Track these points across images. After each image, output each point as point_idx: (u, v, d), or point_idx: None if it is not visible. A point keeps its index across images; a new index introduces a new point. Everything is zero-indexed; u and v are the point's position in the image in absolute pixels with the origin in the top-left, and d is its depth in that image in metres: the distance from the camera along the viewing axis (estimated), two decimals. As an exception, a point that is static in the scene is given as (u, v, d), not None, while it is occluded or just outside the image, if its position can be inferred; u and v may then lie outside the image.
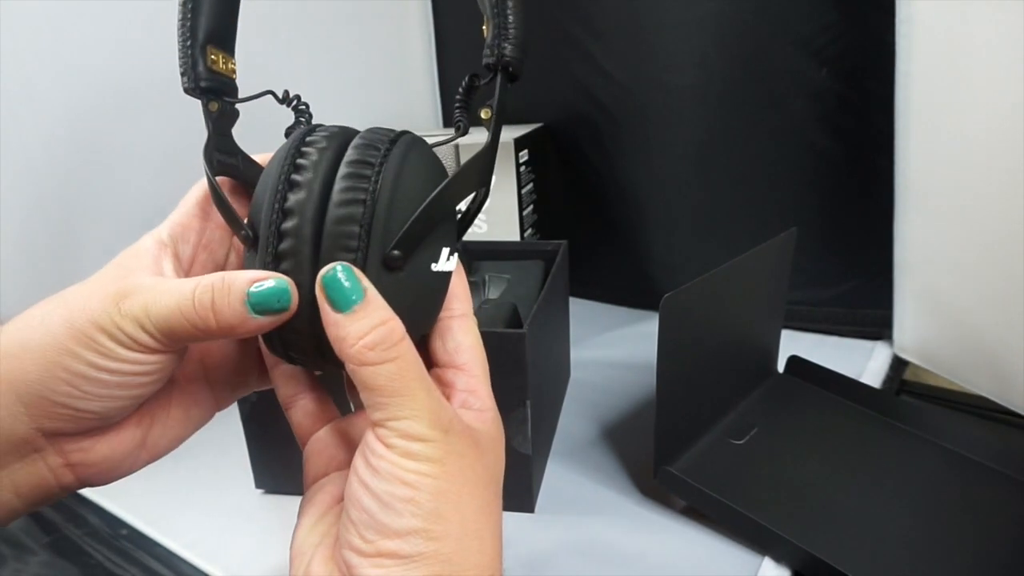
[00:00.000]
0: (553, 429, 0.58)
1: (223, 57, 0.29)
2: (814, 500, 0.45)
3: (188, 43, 0.28)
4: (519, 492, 0.48)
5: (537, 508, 0.49)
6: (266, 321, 0.23)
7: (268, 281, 0.23)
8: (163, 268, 0.26)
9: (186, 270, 0.27)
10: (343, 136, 0.25)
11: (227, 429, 0.60)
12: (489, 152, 0.26)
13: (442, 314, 0.27)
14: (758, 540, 0.43)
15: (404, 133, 0.26)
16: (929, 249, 0.60)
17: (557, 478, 0.52)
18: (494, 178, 0.69)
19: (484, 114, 0.27)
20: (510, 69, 0.27)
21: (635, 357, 0.69)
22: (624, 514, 0.48)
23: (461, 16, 0.91)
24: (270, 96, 0.31)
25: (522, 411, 0.45)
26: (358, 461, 0.24)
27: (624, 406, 0.61)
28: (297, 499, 0.27)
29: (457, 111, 0.28)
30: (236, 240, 0.29)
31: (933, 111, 0.57)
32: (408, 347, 0.24)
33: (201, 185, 0.28)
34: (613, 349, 0.72)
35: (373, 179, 0.23)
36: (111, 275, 0.25)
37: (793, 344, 0.64)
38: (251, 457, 0.51)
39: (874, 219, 0.64)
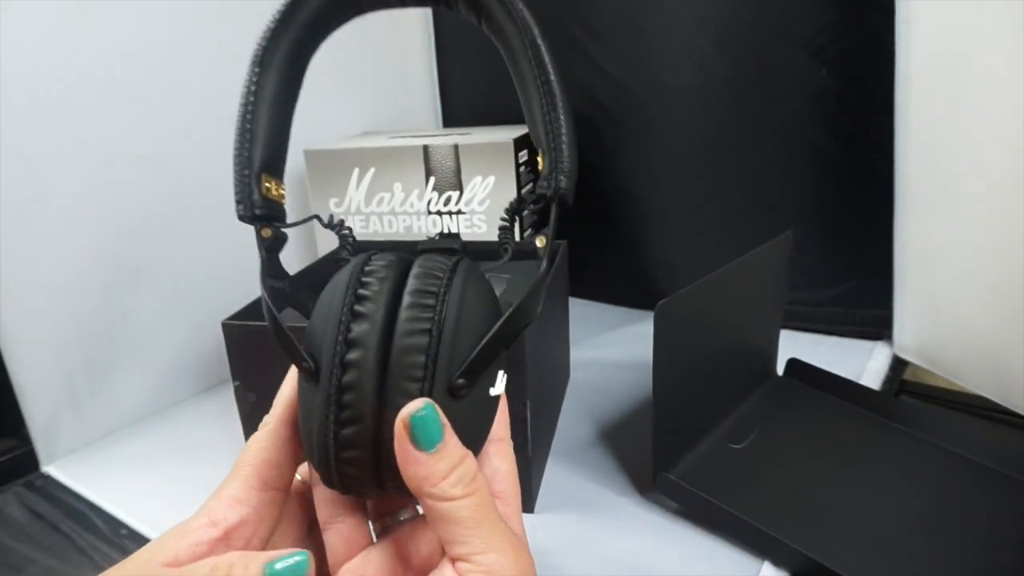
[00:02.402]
0: (553, 429, 0.58)
1: (275, 184, 0.30)
2: (814, 503, 0.45)
3: (245, 172, 0.29)
4: (519, 492, 0.48)
5: (537, 508, 0.49)
6: None
7: (289, 559, 0.23)
8: (200, 551, 0.25)
9: (245, 541, 0.27)
10: (402, 265, 0.25)
11: (227, 429, 0.60)
12: (543, 280, 0.27)
13: None
14: (757, 544, 0.43)
15: (461, 260, 0.26)
16: (929, 249, 0.60)
17: (557, 478, 0.52)
18: (493, 178, 0.70)
19: (540, 242, 0.28)
20: (564, 198, 0.28)
21: (635, 357, 0.69)
22: (624, 515, 0.48)
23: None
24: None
25: (522, 411, 0.45)
26: None
27: (624, 406, 0.61)
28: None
29: (501, 232, 0.29)
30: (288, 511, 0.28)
31: (933, 111, 0.57)
32: (483, 480, 0.24)
33: (253, 452, 0.27)
34: (613, 349, 0.72)
35: (438, 308, 0.24)
36: (142, 559, 0.25)
37: (793, 344, 0.64)
38: (251, 457, 0.51)
39: (874, 219, 0.64)
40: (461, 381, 0.24)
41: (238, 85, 0.32)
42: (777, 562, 0.42)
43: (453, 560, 0.23)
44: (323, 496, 0.27)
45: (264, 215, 0.29)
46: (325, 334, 0.24)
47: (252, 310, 0.51)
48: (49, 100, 0.55)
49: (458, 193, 0.71)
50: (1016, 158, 0.50)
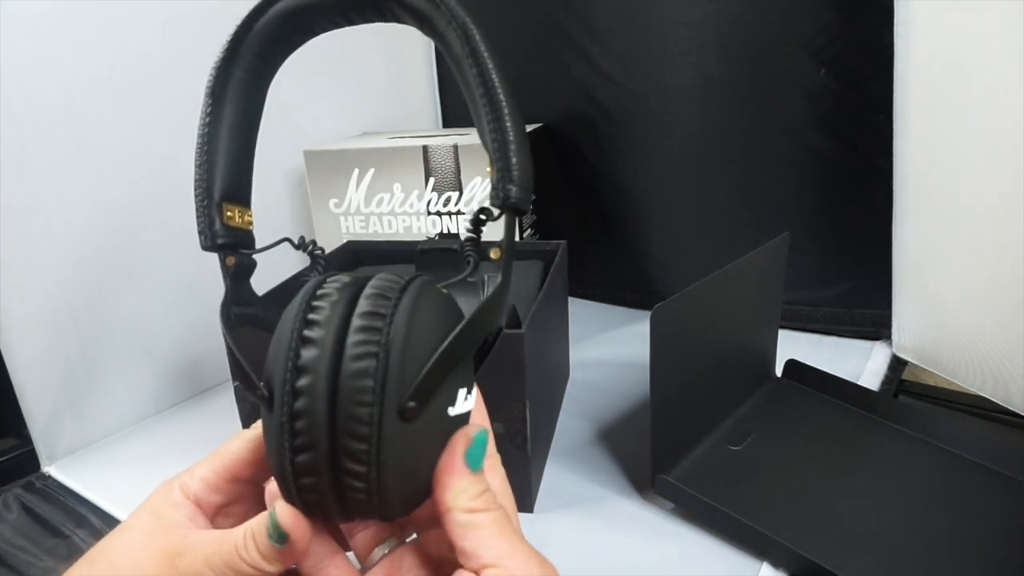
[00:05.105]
0: (553, 429, 0.58)
1: (239, 211, 0.30)
2: (812, 504, 0.45)
3: (204, 202, 0.29)
4: (518, 492, 0.48)
5: (536, 508, 0.49)
6: (286, 549, 0.24)
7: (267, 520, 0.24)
8: (199, 523, 0.27)
9: (209, 518, 0.28)
10: (354, 288, 0.25)
11: (226, 429, 0.60)
12: (502, 292, 0.26)
13: None
14: (756, 546, 0.43)
15: (415, 278, 0.25)
16: (928, 249, 0.60)
17: (556, 478, 0.52)
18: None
19: (494, 254, 0.27)
20: (517, 208, 0.28)
21: (635, 357, 0.69)
22: (623, 515, 0.48)
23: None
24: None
25: (521, 411, 0.45)
26: None
27: (624, 406, 0.61)
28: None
29: (467, 246, 0.29)
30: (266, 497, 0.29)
31: (932, 111, 0.57)
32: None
33: (235, 447, 0.28)
34: (613, 349, 0.72)
35: (384, 331, 0.23)
36: (149, 528, 0.26)
37: (792, 345, 0.64)
38: (251, 458, 0.51)
39: (873, 219, 0.64)
40: (412, 404, 0.23)
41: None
42: (776, 563, 0.42)
43: (477, 571, 0.24)
44: None
45: (227, 243, 0.30)
46: (277, 361, 0.24)
47: (252, 310, 0.51)
48: (49, 101, 0.55)
49: (458, 194, 0.71)
50: (1015, 158, 0.50)
